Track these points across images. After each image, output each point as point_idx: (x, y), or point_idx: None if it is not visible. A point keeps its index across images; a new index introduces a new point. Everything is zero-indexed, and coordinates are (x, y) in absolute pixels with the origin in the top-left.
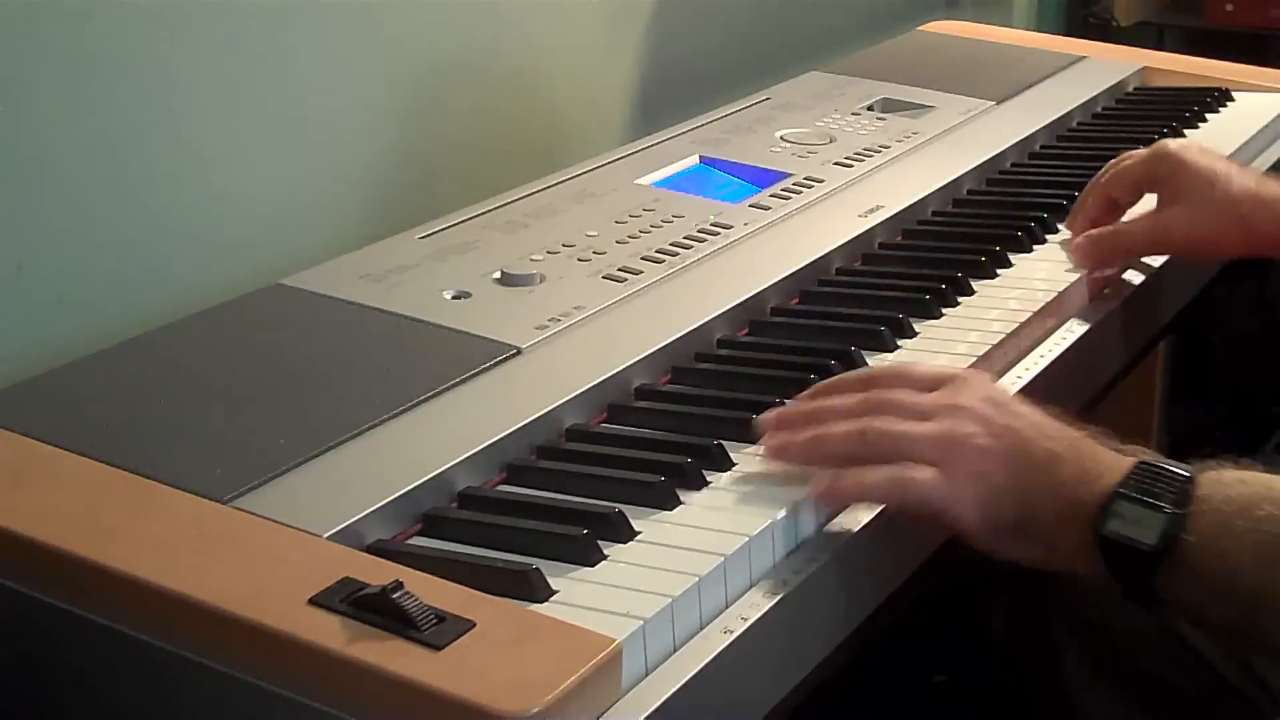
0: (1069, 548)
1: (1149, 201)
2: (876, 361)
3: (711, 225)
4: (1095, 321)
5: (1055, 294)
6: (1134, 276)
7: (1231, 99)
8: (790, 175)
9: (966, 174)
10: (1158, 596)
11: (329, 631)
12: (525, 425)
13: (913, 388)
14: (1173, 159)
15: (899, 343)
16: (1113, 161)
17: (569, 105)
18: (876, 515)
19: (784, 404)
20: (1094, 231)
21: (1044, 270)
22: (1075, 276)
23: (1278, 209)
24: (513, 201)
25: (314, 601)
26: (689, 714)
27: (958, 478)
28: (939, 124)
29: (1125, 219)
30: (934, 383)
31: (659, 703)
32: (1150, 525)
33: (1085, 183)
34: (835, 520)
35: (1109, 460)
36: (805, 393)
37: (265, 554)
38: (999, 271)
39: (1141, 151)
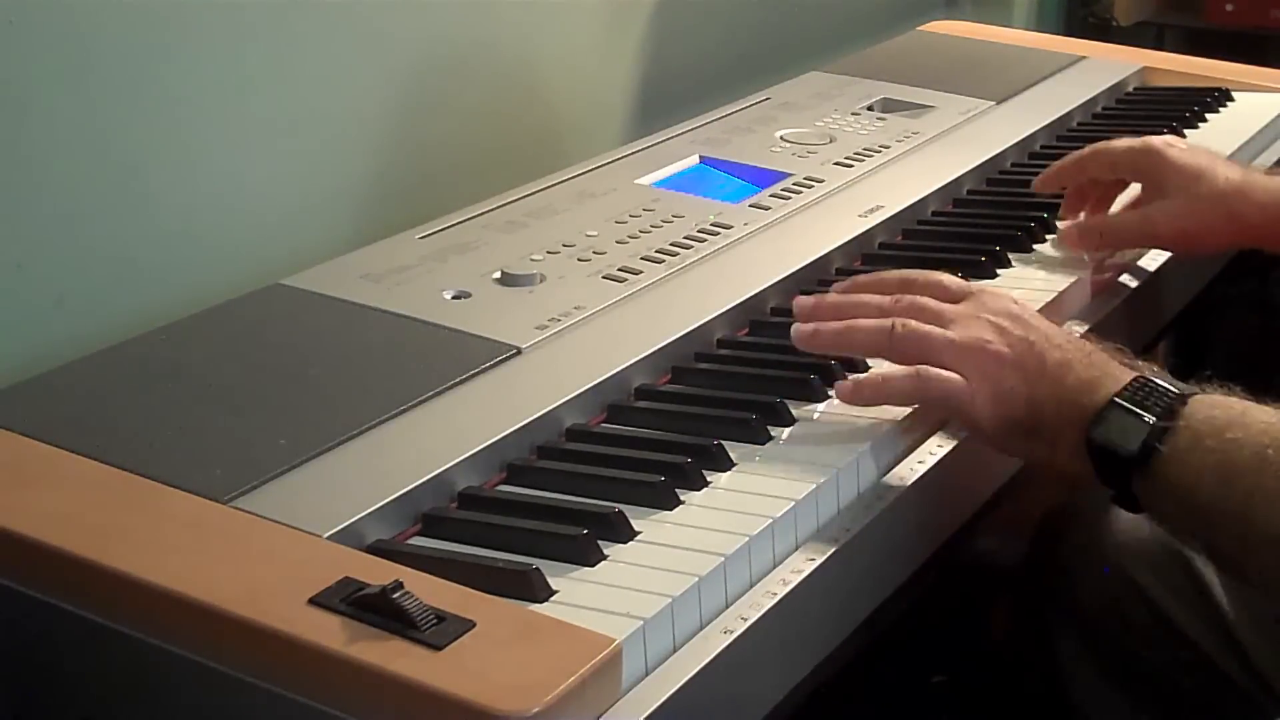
0: (1068, 449)
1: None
2: (876, 362)
3: (711, 225)
4: (1095, 322)
5: (1055, 294)
6: (1131, 280)
7: (1231, 99)
8: (790, 175)
9: (966, 174)
10: (1137, 502)
11: (329, 631)
12: (525, 425)
13: (942, 295)
14: (1156, 154)
15: None
16: (1096, 144)
17: (569, 105)
18: (876, 516)
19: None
20: (1083, 221)
21: (1044, 270)
22: (1075, 277)
23: (1264, 198)
24: (513, 201)
25: (314, 601)
26: (689, 714)
27: (975, 380)
28: (939, 124)
29: (1113, 209)
30: (961, 293)
31: (659, 703)
32: (1133, 434)
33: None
34: (835, 520)
35: (1113, 371)
36: (841, 284)
37: (265, 554)
38: (999, 271)
39: (1126, 140)
